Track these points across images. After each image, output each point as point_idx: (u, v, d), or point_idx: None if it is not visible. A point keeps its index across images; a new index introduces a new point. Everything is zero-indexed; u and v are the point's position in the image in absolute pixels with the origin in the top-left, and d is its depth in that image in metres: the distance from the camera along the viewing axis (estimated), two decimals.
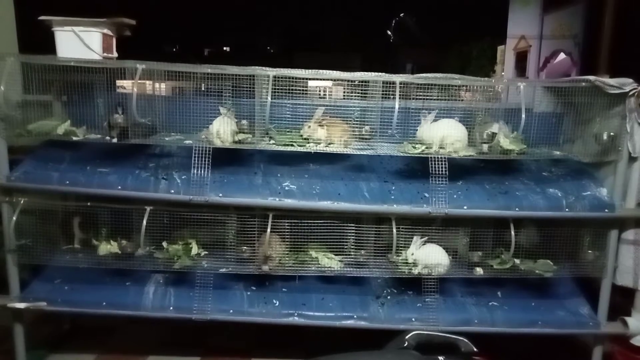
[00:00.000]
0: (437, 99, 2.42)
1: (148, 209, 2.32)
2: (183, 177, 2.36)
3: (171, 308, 2.42)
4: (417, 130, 2.37)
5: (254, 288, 2.53)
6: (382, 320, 2.43)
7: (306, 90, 2.36)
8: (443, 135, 2.31)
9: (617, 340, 2.58)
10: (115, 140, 2.33)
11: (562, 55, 6.10)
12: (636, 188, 2.41)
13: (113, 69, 2.35)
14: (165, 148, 2.58)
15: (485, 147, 2.34)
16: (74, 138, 2.37)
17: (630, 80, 2.28)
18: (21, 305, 2.38)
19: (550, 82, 3.43)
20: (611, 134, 2.34)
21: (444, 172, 2.32)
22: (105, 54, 2.44)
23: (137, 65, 2.25)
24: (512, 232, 2.36)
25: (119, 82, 2.50)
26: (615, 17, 4.51)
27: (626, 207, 2.42)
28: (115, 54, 2.54)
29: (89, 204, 2.38)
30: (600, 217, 2.40)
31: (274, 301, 2.48)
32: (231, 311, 2.43)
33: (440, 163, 2.33)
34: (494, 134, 2.33)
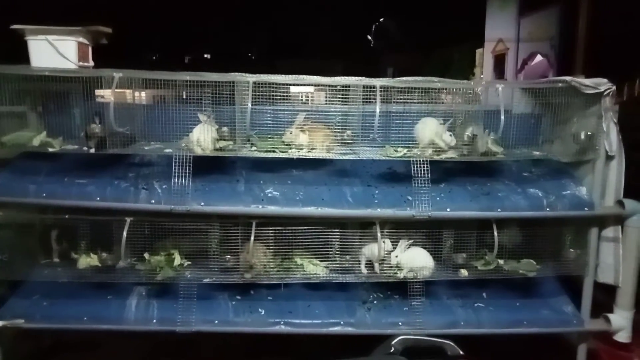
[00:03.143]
0: (419, 102, 2.43)
1: (128, 219, 2.27)
2: (164, 187, 2.32)
3: (154, 321, 2.37)
4: (398, 133, 2.37)
5: (239, 297, 2.49)
6: (369, 325, 2.42)
7: (288, 96, 2.35)
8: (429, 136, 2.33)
9: (600, 337, 2.62)
10: (92, 150, 2.28)
11: (538, 57, 6.21)
12: (614, 186, 2.45)
13: (90, 78, 2.30)
14: (145, 157, 2.54)
15: (465, 149, 2.36)
16: (50, 149, 2.32)
17: (605, 80, 2.33)
18: None
19: (528, 83, 3.49)
20: (588, 133, 2.38)
21: (426, 175, 2.33)
22: (81, 63, 2.40)
23: (114, 73, 2.21)
24: (495, 233, 2.37)
25: (98, 92, 2.45)
26: (589, 19, 4.61)
27: (605, 205, 2.46)
28: (92, 63, 2.50)
29: (67, 216, 2.32)
30: (581, 216, 2.43)
31: (260, 310, 2.45)
32: (216, 322, 2.39)
33: (422, 166, 2.33)
34: (474, 136, 2.35)
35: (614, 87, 2.34)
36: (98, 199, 2.28)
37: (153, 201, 2.28)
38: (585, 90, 2.33)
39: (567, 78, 2.37)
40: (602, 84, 2.32)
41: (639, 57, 3.77)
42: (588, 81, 2.33)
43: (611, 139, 2.38)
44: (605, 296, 2.56)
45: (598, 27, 4.51)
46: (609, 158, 2.42)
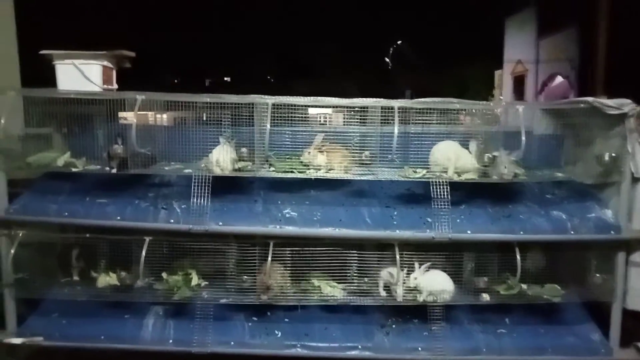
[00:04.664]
0: (437, 123, 2.42)
1: (147, 239, 2.29)
2: (183, 207, 2.34)
3: (170, 341, 2.36)
4: (416, 154, 2.36)
5: (255, 319, 2.47)
6: (388, 350, 2.36)
7: (306, 118, 2.37)
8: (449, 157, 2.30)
9: None
10: (114, 170, 2.32)
11: (559, 79, 6.17)
12: None
13: (113, 100, 2.36)
14: (164, 178, 2.57)
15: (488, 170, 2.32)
16: (74, 169, 2.36)
17: (629, 100, 2.29)
18: (17, 341, 2.32)
19: (549, 104, 3.44)
20: (612, 154, 2.33)
21: (446, 197, 2.30)
22: (105, 86, 2.47)
23: (137, 96, 2.26)
24: (518, 256, 2.31)
25: (121, 114, 2.51)
26: (609, 39, 4.57)
27: (632, 229, 2.38)
28: (116, 86, 2.57)
29: (87, 235, 2.35)
30: (606, 239, 2.36)
31: (276, 332, 2.42)
32: (232, 343, 2.36)
33: (442, 187, 2.31)
34: (494, 157, 2.32)
35: (638, 108, 2.29)
36: (118, 218, 2.31)
37: (172, 221, 2.30)
38: (608, 111, 2.29)
39: (589, 99, 2.33)
40: (626, 105, 2.28)
41: None
42: (611, 102, 2.29)
43: (637, 160, 2.32)
44: (636, 324, 2.46)
45: (618, 47, 4.46)
46: (635, 180, 2.36)
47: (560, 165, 2.58)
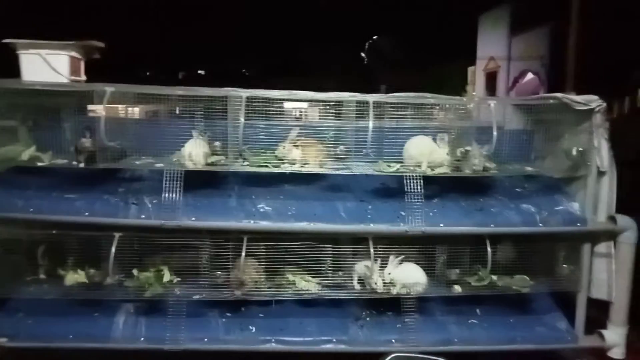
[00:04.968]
0: (412, 118, 2.44)
1: (117, 235, 2.24)
2: (154, 202, 2.29)
3: (142, 339, 2.32)
4: (391, 148, 2.37)
5: (229, 314, 2.45)
6: (362, 342, 2.38)
7: (282, 112, 2.35)
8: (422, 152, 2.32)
9: (594, 354, 2.59)
10: (82, 165, 2.25)
11: (530, 75, 6.31)
12: (606, 202, 2.46)
13: (82, 92, 2.29)
14: (135, 172, 2.52)
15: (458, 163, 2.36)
16: (39, 164, 2.28)
17: (596, 97, 2.35)
18: None
19: (520, 100, 3.52)
20: (580, 149, 2.40)
21: (419, 190, 2.32)
22: (73, 77, 2.39)
23: (106, 88, 2.20)
24: (489, 249, 2.36)
25: (90, 107, 2.44)
26: (579, 38, 4.69)
27: (597, 221, 2.46)
28: (84, 77, 2.49)
29: (54, 231, 2.28)
30: (573, 231, 2.43)
31: (251, 327, 2.40)
32: (206, 340, 2.34)
33: (415, 181, 2.33)
34: (467, 151, 2.35)
35: (605, 104, 2.36)
36: (87, 214, 2.24)
37: (143, 216, 2.25)
38: (576, 107, 2.35)
39: (559, 95, 2.39)
40: (593, 101, 2.34)
41: (628, 75, 3.83)
42: (579, 98, 2.35)
43: (602, 155, 2.39)
44: (599, 312, 2.55)
45: (588, 46, 4.59)
46: (601, 174, 2.43)
47: (531, 159, 2.64)
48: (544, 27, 5.87)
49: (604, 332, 2.49)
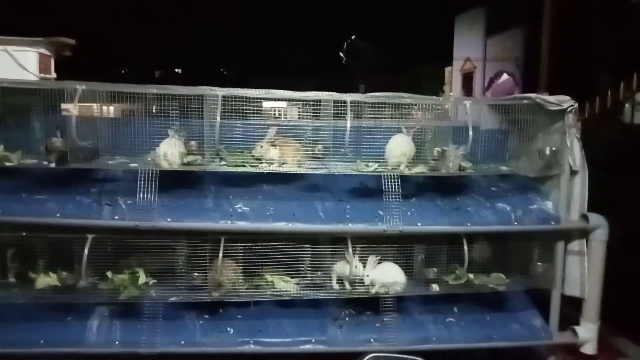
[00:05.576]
0: (389, 118, 2.44)
1: (90, 237, 2.18)
2: (128, 202, 2.24)
3: (117, 342, 2.27)
4: (369, 148, 2.37)
5: (207, 316, 2.41)
6: (341, 342, 2.38)
7: (260, 111, 2.33)
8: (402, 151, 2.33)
9: (568, 350, 2.65)
10: (53, 165, 2.19)
11: (505, 76, 6.41)
12: (578, 200, 2.51)
13: (52, 90, 2.22)
14: (109, 173, 2.46)
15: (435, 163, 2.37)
16: (8, 164, 2.20)
17: (568, 97, 2.40)
18: None
19: (495, 100, 3.57)
20: (553, 149, 2.44)
21: (397, 190, 2.33)
22: (42, 75, 2.32)
23: (77, 86, 2.14)
24: (465, 247, 2.39)
25: (63, 106, 2.37)
26: (552, 40, 4.79)
27: (570, 219, 2.51)
28: (54, 75, 2.42)
29: (24, 234, 2.21)
30: (547, 230, 2.48)
31: (229, 329, 2.37)
32: (182, 342, 2.30)
33: (393, 181, 2.34)
34: (444, 151, 2.37)
35: (577, 104, 2.41)
36: (58, 215, 2.18)
37: (117, 217, 2.20)
38: (549, 107, 2.40)
39: (532, 95, 2.43)
40: (565, 101, 2.39)
41: (599, 76, 3.92)
42: (552, 98, 2.40)
43: (575, 154, 2.45)
44: (573, 309, 2.60)
45: (560, 47, 4.69)
46: (573, 173, 2.49)
47: (505, 159, 2.68)
48: (518, 29, 5.98)
49: (577, 328, 2.55)
